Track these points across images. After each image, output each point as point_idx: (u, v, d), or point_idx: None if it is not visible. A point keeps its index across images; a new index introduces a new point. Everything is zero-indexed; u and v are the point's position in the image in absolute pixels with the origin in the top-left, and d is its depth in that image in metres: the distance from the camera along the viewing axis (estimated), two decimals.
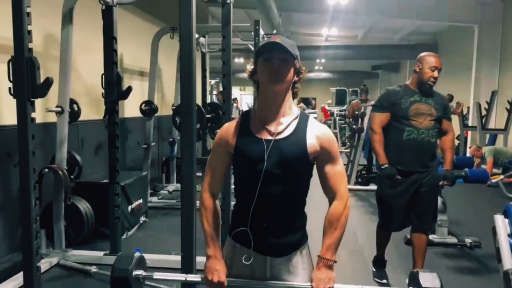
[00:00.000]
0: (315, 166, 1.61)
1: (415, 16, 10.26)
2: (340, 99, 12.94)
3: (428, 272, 1.52)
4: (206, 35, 6.06)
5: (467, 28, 10.12)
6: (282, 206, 1.55)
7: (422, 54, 3.08)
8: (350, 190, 6.48)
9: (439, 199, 4.20)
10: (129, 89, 3.52)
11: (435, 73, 2.95)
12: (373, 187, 6.63)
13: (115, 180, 3.54)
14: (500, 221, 2.20)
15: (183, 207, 2.34)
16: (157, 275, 1.67)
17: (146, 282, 1.85)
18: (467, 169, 3.75)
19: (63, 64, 3.52)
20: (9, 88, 2.41)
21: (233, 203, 1.86)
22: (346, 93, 12.58)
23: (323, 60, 17.74)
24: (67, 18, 3.45)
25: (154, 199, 5.75)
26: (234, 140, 1.57)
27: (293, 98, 1.61)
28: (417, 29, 12.80)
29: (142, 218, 4.82)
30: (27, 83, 2.37)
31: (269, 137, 1.53)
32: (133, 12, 5.59)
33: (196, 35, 5.53)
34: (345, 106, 11.92)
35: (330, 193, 1.59)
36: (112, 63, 3.41)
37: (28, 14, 2.35)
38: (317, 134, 1.56)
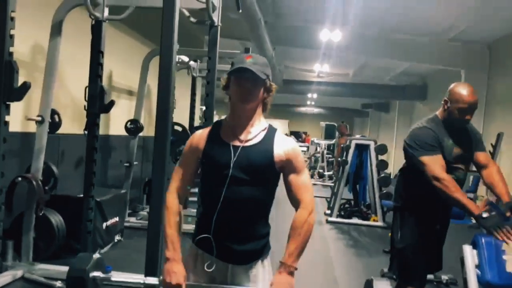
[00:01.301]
0: (281, 178, 1.65)
1: (404, 58, 10.54)
2: (329, 133, 13.10)
3: (383, 280, 1.52)
4: (198, 60, 6.16)
5: (454, 72, 10.40)
6: (246, 213, 1.58)
7: (453, 86, 2.58)
8: (332, 222, 6.51)
9: None
10: (112, 103, 3.53)
11: (468, 116, 2.45)
12: (355, 221, 6.62)
13: (90, 194, 3.49)
14: (468, 251, 2.18)
15: (150, 223, 2.33)
16: (115, 276, 1.64)
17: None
18: None
19: (48, 74, 3.54)
20: None
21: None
22: (335, 128, 12.73)
23: (315, 96, 18.02)
24: (56, 29, 3.49)
25: (133, 219, 5.65)
26: (203, 145, 1.62)
27: (263, 110, 1.68)
28: (407, 70, 13.11)
29: (117, 237, 4.71)
30: (4, 86, 2.37)
31: (238, 144, 1.58)
32: (125, 31, 5.67)
33: (187, 59, 5.65)
34: (333, 140, 12.04)
35: (295, 202, 1.62)
36: (96, 76, 3.43)
37: (12, 18, 2.39)
38: (284, 145, 1.62)
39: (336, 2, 7.69)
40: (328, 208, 7.23)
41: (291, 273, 1.52)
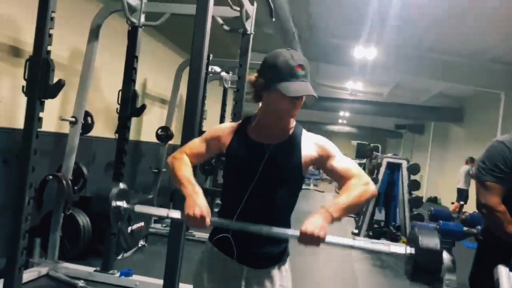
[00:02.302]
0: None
1: (441, 78, 10.28)
2: (360, 152, 12.84)
3: (428, 232, 1.42)
4: (230, 72, 6.21)
5: (493, 94, 10.04)
6: (268, 215, 1.51)
7: None
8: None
9: (448, 257, 4.01)
10: (143, 107, 3.58)
11: None
12: (383, 242, 6.40)
13: None
14: (504, 273, 2.04)
15: (172, 230, 2.32)
16: (139, 208, 1.61)
17: None
18: None
19: (83, 76, 3.64)
20: (22, 87, 2.49)
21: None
22: (365, 146, 12.50)
23: (346, 114, 17.82)
24: (94, 34, 3.60)
25: (158, 225, 5.67)
26: (229, 140, 1.55)
27: None
28: (443, 92, 12.77)
29: (142, 242, 4.73)
30: (40, 83, 2.44)
31: (265, 143, 1.52)
32: (161, 41, 5.81)
33: (219, 69, 5.70)
34: (364, 160, 11.80)
35: (345, 181, 1.49)
36: (130, 80, 3.50)
37: (52, 18, 2.46)
38: (312, 143, 1.54)
39: (372, 19, 7.62)
40: (356, 227, 7.04)
41: (326, 219, 1.36)
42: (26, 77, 2.48)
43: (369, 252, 1.16)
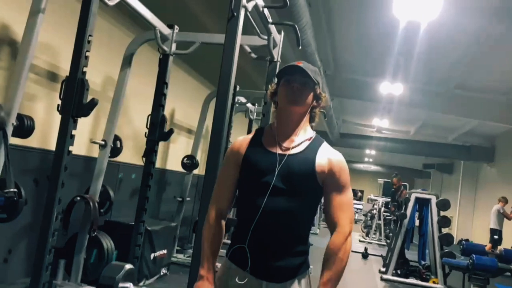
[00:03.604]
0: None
1: (470, 115, 10.09)
2: (387, 190, 12.55)
3: None
4: (256, 104, 6.31)
5: None
6: (285, 226, 1.48)
7: None
8: (387, 280, 6.07)
9: None
10: (171, 131, 3.66)
11: None
12: (412, 281, 6.13)
13: (141, 218, 3.55)
14: None
15: (193, 259, 2.30)
16: None
17: None
18: None
19: (115, 102, 3.76)
20: (58, 106, 2.60)
21: None
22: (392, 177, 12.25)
23: (372, 152, 17.61)
24: (126, 62, 3.75)
25: (180, 255, 5.63)
26: (244, 150, 1.56)
27: (311, 122, 1.61)
28: (473, 130, 12.50)
29: (164, 270, 4.69)
30: (74, 101, 2.55)
31: (280, 152, 1.52)
32: (189, 72, 6.00)
33: (244, 100, 5.80)
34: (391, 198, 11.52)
35: (331, 224, 1.51)
36: (159, 105, 3.61)
37: (89, 41, 2.59)
38: (329, 156, 1.53)
39: (397, 55, 7.66)
40: (384, 265, 6.79)
41: None
42: (61, 96, 2.59)
43: None
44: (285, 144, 1.53)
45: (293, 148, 1.52)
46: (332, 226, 1.50)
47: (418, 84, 9.20)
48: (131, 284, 1.56)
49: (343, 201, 1.51)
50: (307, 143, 1.54)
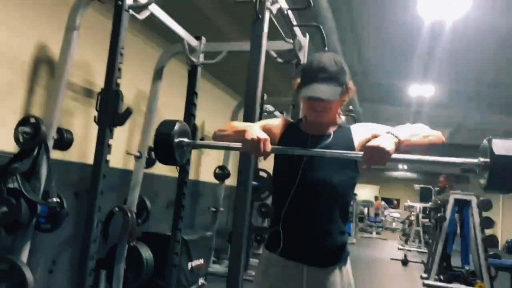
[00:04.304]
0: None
1: (507, 113, 9.75)
2: (424, 196, 12.22)
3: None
4: (284, 112, 6.33)
5: None
6: (324, 206, 1.49)
7: None
8: (430, 286, 5.87)
9: None
10: (202, 140, 3.72)
11: None
12: (456, 286, 5.89)
13: (178, 226, 3.60)
14: None
15: (230, 269, 2.33)
16: (200, 142, 1.68)
17: None
18: None
19: (148, 115, 3.88)
20: (94, 117, 2.70)
21: None
22: (431, 191, 11.90)
23: None
24: (158, 75, 3.87)
25: (217, 266, 5.65)
26: (281, 132, 1.60)
27: (340, 105, 1.61)
28: (510, 130, 12.07)
29: (201, 280, 4.72)
30: (110, 111, 2.65)
31: (316, 134, 1.54)
32: (217, 86, 6.11)
33: (272, 108, 5.82)
34: (429, 203, 11.19)
35: None
36: (190, 115, 3.69)
37: (121, 54, 2.70)
38: (363, 129, 1.55)
39: (424, 55, 7.54)
40: (425, 271, 6.57)
41: (392, 138, 1.33)
42: (97, 108, 2.69)
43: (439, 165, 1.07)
44: (320, 129, 1.55)
45: (328, 131, 1.55)
46: None
47: (449, 85, 8.99)
48: (186, 138, 1.59)
49: (407, 125, 1.47)
50: (339, 126, 1.58)
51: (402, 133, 1.36)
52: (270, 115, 6.01)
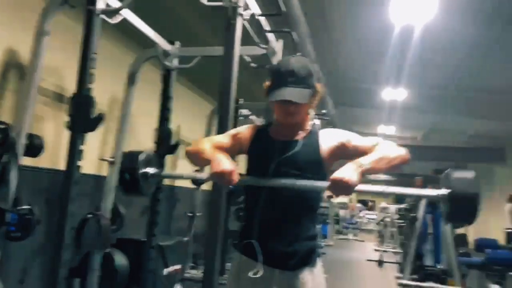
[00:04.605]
0: None
1: (474, 115, 10.07)
2: (399, 198, 12.45)
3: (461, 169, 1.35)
4: (262, 117, 6.36)
5: None
6: (291, 211, 1.52)
7: None
8: (404, 285, 5.99)
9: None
10: (177, 144, 3.72)
11: None
12: (430, 284, 6.02)
13: (152, 232, 3.58)
14: None
15: (205, 273, 2.34)
16: (165, 172, 1.67)
17: None
18: None
19: (122, 120, 3.84)
20: (66, 122, 2.67)
21: None
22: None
23: None
24: (131, 80, 3.84)
25: (194, 271, 5.61)
26: (250, 138, 1.62)
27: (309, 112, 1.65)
28: (481, 132, 12.46)
29: (178, 286, 4.68)
30: (81, 117, 2.62)
31: (284, 139, 1.57)
32: (193, 90, 6.10)
33: (248, 112, 5.85)
34: (404, 205, 11.43)
35: None
36: (165, 120, 3.68)
37: (93, 58, 2.68)
38: (331, 136, 1.59)
39: (397, 61, 7.73)
40: (400, 271, 6.70)
41: (358, 167, 1.36)
42: (69, 113, 2.66)
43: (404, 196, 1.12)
44: (288, 133, 1.59)
45: (296, 136, 1.58)
46: None
47: (420, 89, 9.24)
48: (153, 168, 1.57)
49: (371, 139, 1.55)
50: (308, 129, 1.61)
51: (368, 161, 1.39)
52: (246, 119, 6.03)
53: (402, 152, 1.47)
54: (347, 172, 1.33)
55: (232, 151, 1.66)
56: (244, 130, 1.66)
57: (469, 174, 1.28)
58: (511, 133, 12.29)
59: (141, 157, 1.57)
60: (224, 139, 1.66)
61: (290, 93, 1.48)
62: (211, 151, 1.51)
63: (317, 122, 6.87)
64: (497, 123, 10.70)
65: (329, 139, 1.57)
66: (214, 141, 1.63)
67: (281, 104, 1.51)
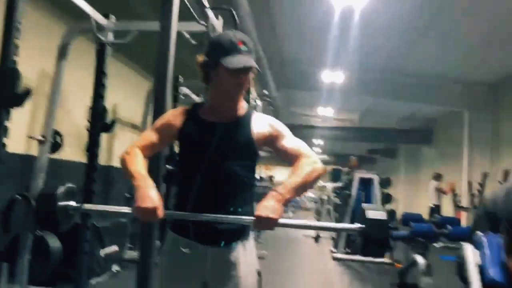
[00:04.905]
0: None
1: (408, 99, 10.64)
2: (335, 177, 12.98)
3: (375, 207, 1.46)
4: (201, 95, 6.29)
5: (458, 114, 10.48)
6: (225, 190, 1.53)
7: None
8: (338, 259, 6.30)
9: (423, 261, 4.05)
10: (113, 122, 3.59)
11: None
12: (361, 257, 6.40)
13: (87, 213, 3.46)
14: (469, 250, 2.11)
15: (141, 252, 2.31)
16: (88, 206, 1.60)
17: None
18: None
19: (52, 96, 3.64)
20: None
21: None
22: (341, 172, 12.67)
23: (320, 142, 18.09)
24: (62, 54, 3.63)
25: (132, 252, 5.52)
26: (180, 123, 1.57)
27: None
28: (412, 114, 13.24)
29: (115, 267, 4.61)
30: (7, 92, 2.45)
31: (217, 121, 1.56)
32: (131, 67, 5.89)
33: (189, 91, 5.76)
34: (340, 183, 11.95)
35: (295, 161, 1.54)
36: (99, 96, 3.53)
37: (18, 29, 2.50)
38: (263, 122, 1.59)
39: (336, 45, 7.94)
40: (334, 246, 7.05)
41: (279, 201, 1.39)
42: None
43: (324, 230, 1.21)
44: (221, 115, 1.57)
45: (229, 118, 1.57)
46: (295, 160, 1.54)
47: (359, 73, 9.60)
48: (73, 202, 1.49)
49: (296, 143, 1.57)
50: (242, 112, 1.60)
51: (290, 190, 1.42)
52: (187, 98, 5.94)
53: (319, 167, 1.50)
54: (270, 209, 1.37)
55: (164, 144, 1.64)
56: (172, 116, 1.60)
57: (381, 215, 1.40)
58: (438, 116, 13.17)
59: (61, 189, 1.47)
60: (153, 136, 1.59)
61: (247, 60, 1.46)
62: (138, 176, 1.43)
63: (259, 103, 6.93)
64: (427, 106, 11.41)
65: (261, 125, 1.57)
66: (145, 143, 1.57)
67: (234, 73, 1.47)
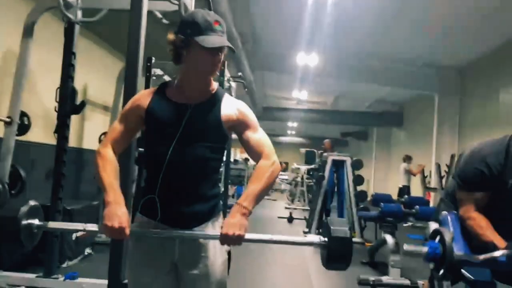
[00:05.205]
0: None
1: (380, 82, 10.79)
2: (309, 159, 13.14)
3: (339, 221, 1.49)
4: (175, 76, 6.21)
5: (428, 97, 10.72)
6: (193, 173, 1.51)
7: None
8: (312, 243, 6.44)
9: (392, 239, 4.20)
10: (83, 103, 3.51)
11: None
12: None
13: (58, 195, 3.40)
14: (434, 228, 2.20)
15: None
16: (53, 224, 1.57)
17: None
18: None
19: (18, 76, 3.52)
20: None
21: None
22: (315, 154, 12.83)
23: (295, 124, 18.21)
24: (28, 32, 3.50)
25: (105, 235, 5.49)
26: (147, 103, 1.53)
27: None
28: (383, 97, 13.44)
29: (88, 250, 4.57)
30: None
31: (185, 102, 1.53)
32: (101, 46, 5.74)
33: (161, 72, 5.67)
34: (314, 165, 12.12)
35: (256, 157, 1.56)
36: (68, 77, 3.43)
37: None
38: (233, 106, 1.58)
39: (310, 28, 7.93)
40: (307, 226, 7.18)
41: (244, 215, 1.42)
42: None
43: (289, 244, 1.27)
44: (190, 96, 1.54)
45: (199, 99, 1.54)
46: (257, 157, 1.56)
47: (332, 56, 9.64)
48: (37, 219, 1.48)
49: (260, 138, 1.57)
50: (211, 93, 1.57)
51: (252, 200, 1.45)
52: (160, 79, 5.84)
53: (276, 168, 1.53)
54: (237, 226, 1.39)
55: (136, 130, 1.60)
56: (140, 97, 1.56)
57: (344, 233, 1.43)
58: (408, 99, 13.44)
59: (24, 208, 1.43)
60: (122, 126, 1.55)
61: (223, 40, 1.45)
62: (109, 189, 1.41)
63: (233, 85, 6.90)
64: (398, 90, 11.61)
65: (230, 108, 1.56)
66: (116, 137, 1.53)
67: (210, 53, 1.44)
